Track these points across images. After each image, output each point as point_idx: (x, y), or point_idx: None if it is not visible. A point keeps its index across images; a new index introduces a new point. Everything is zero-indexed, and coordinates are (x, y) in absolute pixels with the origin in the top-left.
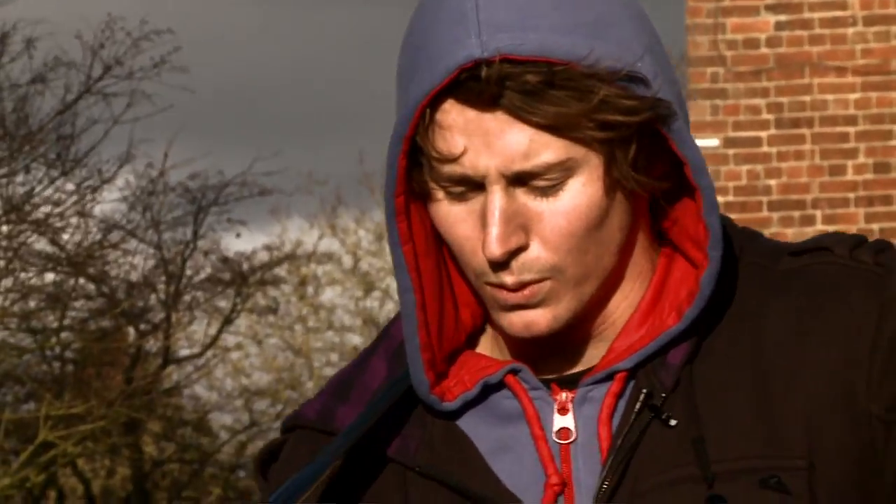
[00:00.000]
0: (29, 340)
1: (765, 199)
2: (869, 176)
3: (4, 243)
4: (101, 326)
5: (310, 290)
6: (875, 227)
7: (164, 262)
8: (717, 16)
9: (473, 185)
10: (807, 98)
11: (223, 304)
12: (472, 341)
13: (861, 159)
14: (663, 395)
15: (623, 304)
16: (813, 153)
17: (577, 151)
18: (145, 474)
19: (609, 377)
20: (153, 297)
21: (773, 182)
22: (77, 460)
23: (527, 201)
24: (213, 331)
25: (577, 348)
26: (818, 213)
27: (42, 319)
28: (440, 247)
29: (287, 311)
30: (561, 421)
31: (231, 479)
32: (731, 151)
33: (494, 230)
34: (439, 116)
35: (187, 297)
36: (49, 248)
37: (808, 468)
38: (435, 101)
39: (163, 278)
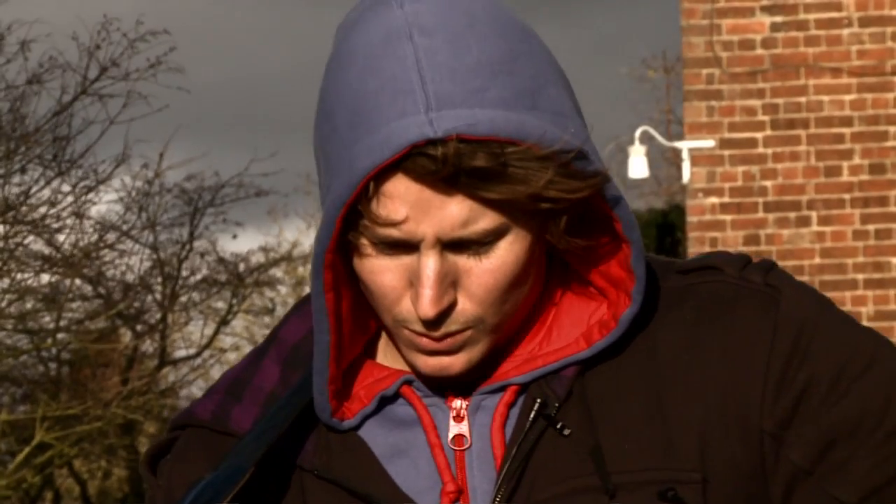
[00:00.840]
0: (25, 341)
1: (760, 200)
2: (865, 177)
3: (0, 244)
4: (98, 327)
5: (306, 291)
6: (871, 227)
7: (160, 264)
8: (712, 17)
9: (406, 246)
10: (802, 99)
11: (220, 305)
12: (369, 348)
13: (857, 160)
14: (556, 404)
15: (516, 324)
16: (809, 154)
17: (510, 217)
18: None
19: (501, 389)
20: (149, 298)
21: (768, 183)
22: (73, 461)
23: (457, 260)
24: (209, 332)
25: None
26: (814, 214)
27: (38, 320)
28: (355, 281)
29: (283, 312)
30: (456, 428)
31: None
32: (726, 153)
33: (428, 293)
34: (384, 187)
35: (184, 298)
36: (45, 249)
37: (703, 481)
38: (380, 172)
39: (159, 279)
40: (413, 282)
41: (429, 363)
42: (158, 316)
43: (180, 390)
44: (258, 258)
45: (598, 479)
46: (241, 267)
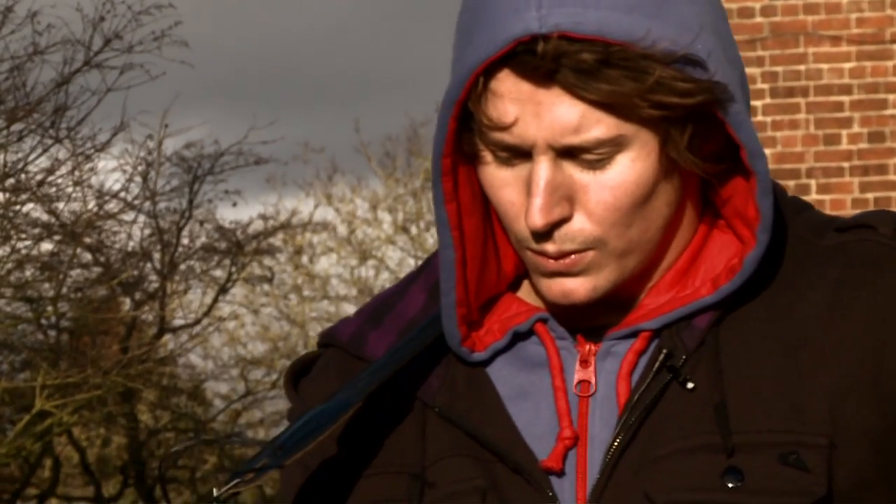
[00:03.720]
0: (25, 309)
1: None
2: (864, 145)
3: (0, 212)
4: (97, 296)
5: (305, 259)
6: (870, 196)
7: (159, 232)
8: None
9: (521, 153)
10: (802, 67)
11: (219, 273)
12: (515, 284)
13: (856, 129)
14: (684, 356)
15: (659, 269)
16: (808, 122)
17: (628, 128)
18: (141, 443)
19: (634, 334)
20: (149, 266)
21: (767, 151)
22: (73, 429)
23: (573, 173)
24: (208, 300)
25: (608, 303)
26: (813, 183)
27: (38, 288)
28: (486, 205)
29: (282, 280)
30: (582, 373)
31: (226, 447)
32: None
33: (538, 201)
34: (492, 84)
35: (183, 267)
36: (45, 217)
37: (829, 446)
38: (489, 69)
39: (158, 248)
40: (528, 194)
41: (552, 287)
42: (157, 284)
43: (179, 358)
44: (257, 226)
45: (719, 438)
46: (241, 235)
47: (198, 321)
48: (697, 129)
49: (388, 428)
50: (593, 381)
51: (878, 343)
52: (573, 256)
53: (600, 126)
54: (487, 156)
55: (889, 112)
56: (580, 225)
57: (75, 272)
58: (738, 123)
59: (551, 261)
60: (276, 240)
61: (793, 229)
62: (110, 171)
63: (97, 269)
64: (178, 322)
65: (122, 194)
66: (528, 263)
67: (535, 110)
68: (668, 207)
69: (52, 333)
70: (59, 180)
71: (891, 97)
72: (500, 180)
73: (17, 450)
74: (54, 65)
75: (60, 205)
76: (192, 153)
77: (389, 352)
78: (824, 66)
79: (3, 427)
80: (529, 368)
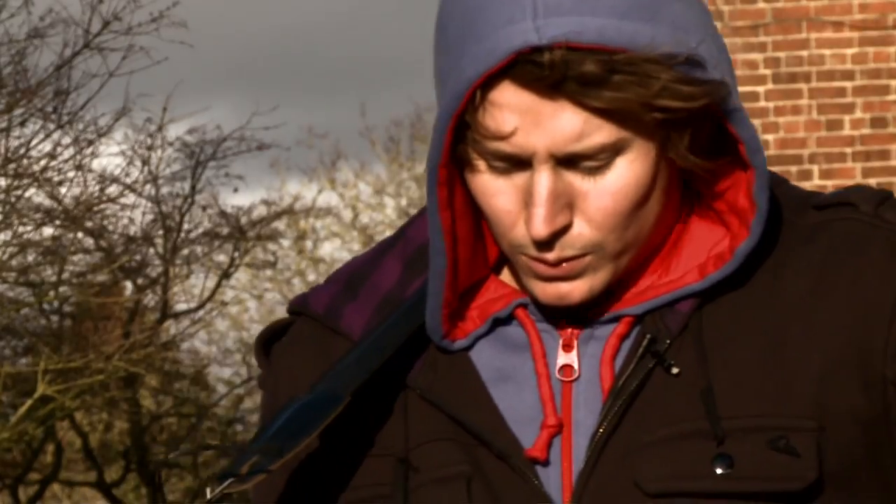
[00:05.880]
0: (27, 294)
1: None
2: (866, 131)
3: (2, 196)
4: (100, 281)
5: (308, 244)
6: (872, 181)
7: (162, 217)
8: None
9: (519, 163)
10: (804, 53)
11: (221, 258)
12: (497, 267)
13: (858, 114)
14: (668, 340)
15: (641, 256)
16: (810, 108)
17: (628, 132)
18: (143, 428)
19: (616, 319)
20: (151, 251)
21: (770, 137)
22: (75, 414)
23: (573, 180)
24: (211, 285)
25: None
26: (815, 168)
27: (40, 273)
28: (476, 208)
29: (285, 265)
30: (564, 358)
31: (229, 432)
32: None
33: (541, 210)
34: (491, 96)
35: (185, 252)
36: (47, 202)
37: (818, 429)
38: (487, 81)
39: (161, 233)
40: (527, 203)
41: (547, 291)
42: (160, 269)
43: (182, 343)
44: (260, 211)
45: (708, 424)
46: (243, 220)
47: (200, 306)
48: (697, 130)
49: (370, 411)
50: (576, 365)
51: (862, 325)
52: (571, 262)
53: (601, 132)
54: (481, 164)
55: (891, 98)
56: (580, 230)
57: (77, 257)
58: (739, 120)
59: (549, 267)
60: (280, 225)
61: (776, 213)
62: (112, 156)
63: (99, 254)
64: (180, 307)
65: (124, 178)
66: (520, 267)
67: (536, 120)
68: (660, 205)
69: (55, 318)
70: (62, 165)
71: (893, 83)
72: (495, 189)
73: (20, 435)
74: (54, 48)
75: (62, 190)
76: (194, 138)
77: (372, 336)
78: (827, 52)
79: (5, 412)
80: (511, 351)
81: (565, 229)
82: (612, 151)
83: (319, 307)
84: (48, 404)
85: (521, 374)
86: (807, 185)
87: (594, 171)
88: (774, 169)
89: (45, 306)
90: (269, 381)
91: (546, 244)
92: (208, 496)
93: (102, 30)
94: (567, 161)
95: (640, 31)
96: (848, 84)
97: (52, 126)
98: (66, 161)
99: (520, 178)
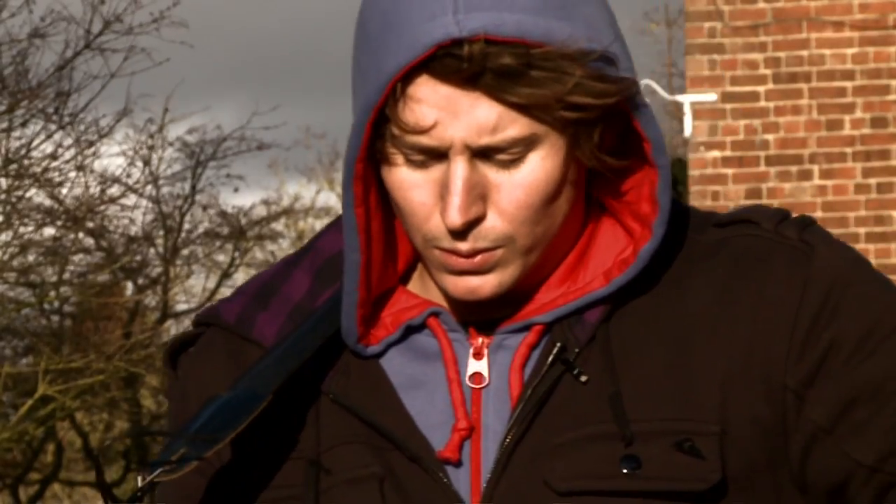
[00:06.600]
0: (27, 294)
1: (762, 154)
2: (866, 130)
3: (3, 197)
4: (100, 281)
5: None
6: (872, 181)
7: (162, 217)
8: None
9: (436, 155)
10: (804, 53)
11: (221, 258)
12: (404, 276)
13: (858, 114)
14: (577, 349)
15: (550, 262)
16: (810, 108)
17: (540, 127)
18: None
19: (526, 328)
20: (151, 251)
21: (770, 137)
22: (76, 414)
23: (487, 172)
24: (211, 285)
25: (501, 297)
26: (815, 168)
27: (41, 273)
28: (388, 204)
29: None
30: (475, 365)
31: None
32: (728, 106)
33: (457, 199)
34: (411, 90)
35: (185, 252)
36: (48, 203)
37: (721, 433)
38: (407, 75)
39: (161, 233)
40: (443, 195)
41: (458, 285)
42: (160, 269)
43: None
44: (260, 211)
45: (616, 427)
46: (243, 220)
47: (201, 306)
48: (606, 128)
49: (283, 414)
50: (486, 372)
51: (765, 334)
52: (483, 255)
53: (515, 126)
54: (398, 158)
55: (891, 97)
56: (492, 223)
57: (78, 257)
58: (647, 120)
59: (462, 259)
60: (279, 225)
61: (676, 225)
62: (113, 156)
63: (100, 255)
64: (180, 307)
65: (125, 179)
66: (432, 262)
67: (454, 112)
68: (569, 203)
69: (55, 318)
70: (63, 166)
71: (893, 83)
72: (411, 182)
73: (20, 435)
74: (55, 48)
75: (64, 190)
76: (194, 138)
77: (289, 340)
78: (827, 52)
79: (5, 412)
80: (423, 359)
81: (479, 221)
82: (525, 145)
83: (231, 317)
84: (49, 404)
85: (433, 380)
86: (807, 185)
87: (508, 165)
88: (775, 169)
89: (46, 306)
90: (177, 390)
91: (460, 234)
92: (139, 484)
93: (104, 30)
94: (482, 153)
95: (556, 27)
96: (848, 84)
97: (53, 127)
98: (67, 162)
99: (436, 170)
